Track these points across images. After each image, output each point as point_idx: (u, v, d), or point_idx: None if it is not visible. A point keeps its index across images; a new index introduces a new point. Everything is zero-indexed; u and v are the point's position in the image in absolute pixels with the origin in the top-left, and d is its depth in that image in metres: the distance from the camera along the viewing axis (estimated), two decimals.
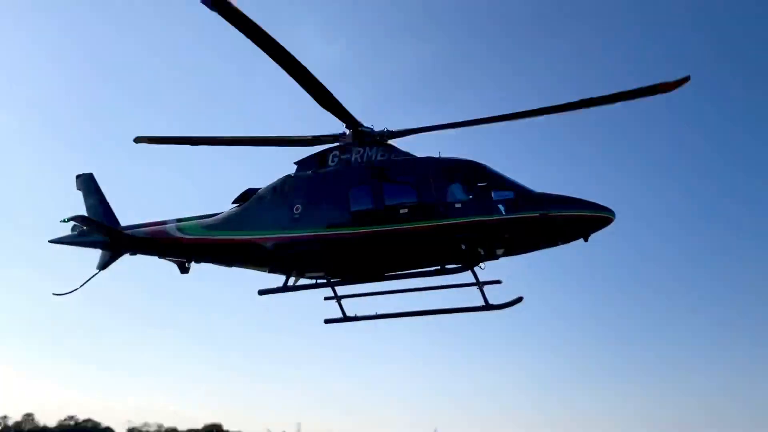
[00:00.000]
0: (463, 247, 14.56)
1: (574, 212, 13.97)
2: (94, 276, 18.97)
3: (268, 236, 16.15)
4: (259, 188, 17.04)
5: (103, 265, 18.82)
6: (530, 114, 14.94)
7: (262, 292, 16.07)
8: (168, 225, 17.94)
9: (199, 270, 20.39)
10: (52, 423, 65.30)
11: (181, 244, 17.55)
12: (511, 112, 14.95)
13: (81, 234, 19.20)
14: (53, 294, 19.17)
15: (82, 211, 19.88)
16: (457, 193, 14.68)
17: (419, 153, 15.91)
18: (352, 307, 16.35)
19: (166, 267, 19.47)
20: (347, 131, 16.10)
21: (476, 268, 15.09)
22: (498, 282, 15.23)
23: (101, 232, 18.06)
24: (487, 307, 15.22)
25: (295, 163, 16.87)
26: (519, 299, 15.08)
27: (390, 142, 16.26)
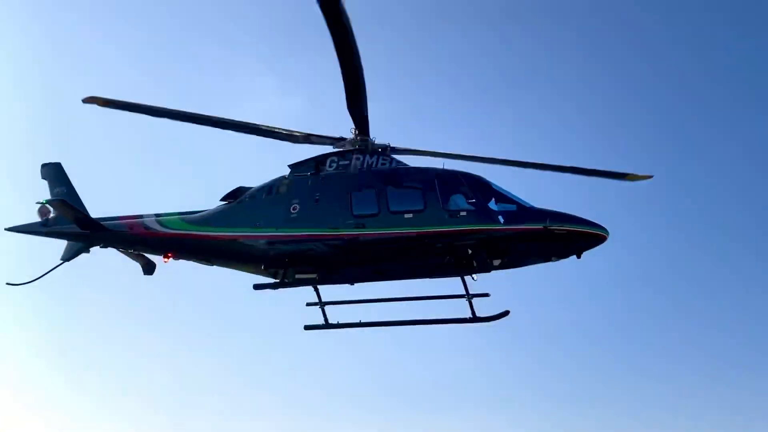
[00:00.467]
0: (462, 255, 14.81)
1: (575, 227, 14.47)
2: (57, 267, 18.07)
3: (262, 233, 15.84)
4: (251, 187, 16.80)
5: (69, 257, 17.96)
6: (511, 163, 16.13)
7: (257, 287, 15.95)
8: (146, 218, 17.32)
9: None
10: None
11: (162, 239, 16.94)
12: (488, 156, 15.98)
13: (47, 223, 18.30)
14: (7, 284, 18.16)
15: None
16: (461, 202, 15.00)
17: None
18: (334, 314, 16.31)
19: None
20: (354, 137, 16.11)
21: (469, 280, 15.37)
22: (486, 295, 15.51)
23: (78, 221, 17.15)
24: (475, 319, 15.44)
25: (289, 165, 16.70)
26: (506, 313, 15.39)
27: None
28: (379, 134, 16.31)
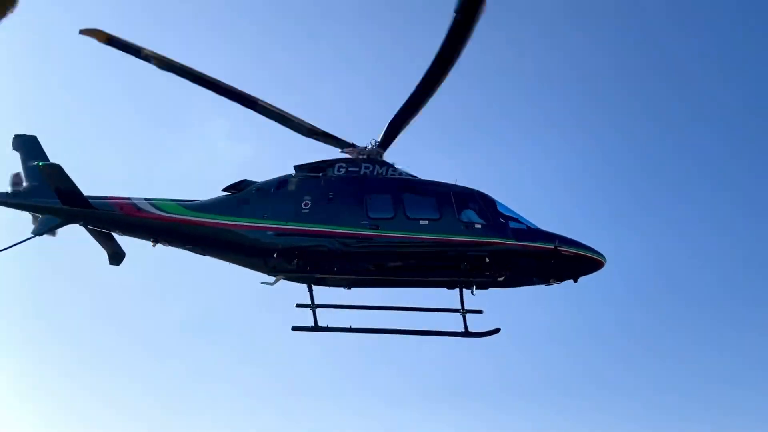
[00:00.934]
0: (468, 267, 15.08)
1: (581, 251, 15.16)
2: (26, 240, 16.86)
3: (270, 225, 15.62)
4: (255, 181, 16.59)
5: (41, 232, 16.83)
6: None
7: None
8: (136, 200, 16.65)
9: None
10: None
11: (155, 222, 16.27)
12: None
13: (17, 194, 17.19)
14: None
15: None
16: (475, 216, 15.44)
17: None
18: (324, 318, 16.10)
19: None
20: (371, 146, 16.46)
21: (466, 294, 15.64)
22: (480, 312, 15.81)
23: (64, 193, 16.15)
24: (467, 334, 15.67)
25: (294, 166, 16.69)
26: (497, 330, 15.75)
27: None
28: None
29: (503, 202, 15.83)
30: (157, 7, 45.03)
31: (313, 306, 15.93)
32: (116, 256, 18.11)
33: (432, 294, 16.32)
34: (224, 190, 16.66)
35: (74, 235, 17.71)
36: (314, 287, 15.96)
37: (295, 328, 15.97)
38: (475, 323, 15.73)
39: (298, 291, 16.14)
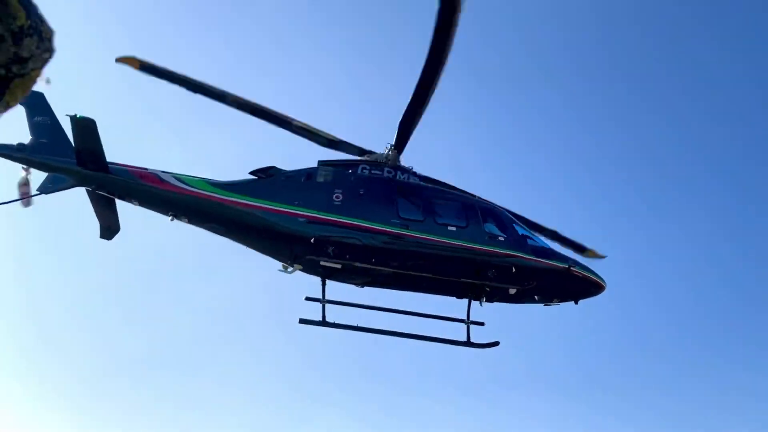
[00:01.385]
0: (485, 277, 15.75)
1: (589, 275, 16.27)
2: (33, 196, 16.03)
3: (301, 212, 15.69)
4: (284, 169, 16.62)
5: (50, 190, 16.01)
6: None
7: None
8: (157, 171, 16.25)
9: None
10: None
11: (179, 195, 15.86)
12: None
13: (23, 148, 16.34)
14: None
15: (23, 129, 17.13)
16: (497, 229, 16.19)
17: None
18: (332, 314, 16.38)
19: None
20: (388, 152, 16.90)
21: (473, 306, 16.41)
22: (482, 324, 16.64)
23: (85, 153, 15.42)
24: (468, 343, 16.41)
25: (319, 161, 16.88)
26: (496, 343, 16.60)
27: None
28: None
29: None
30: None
31: (324, 301, 16.18)
32: (110, 229, 17.50)
33: (438, 302, 16.99)
34: (252, 173, 16.54)
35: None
36: (327, 283, 16.27)
37: (302, 321, 16.09)
38: (476, 334, 16.63)
39: (308, 285, 16.44)
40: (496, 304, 16.79)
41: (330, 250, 15.36)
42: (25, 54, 3.05)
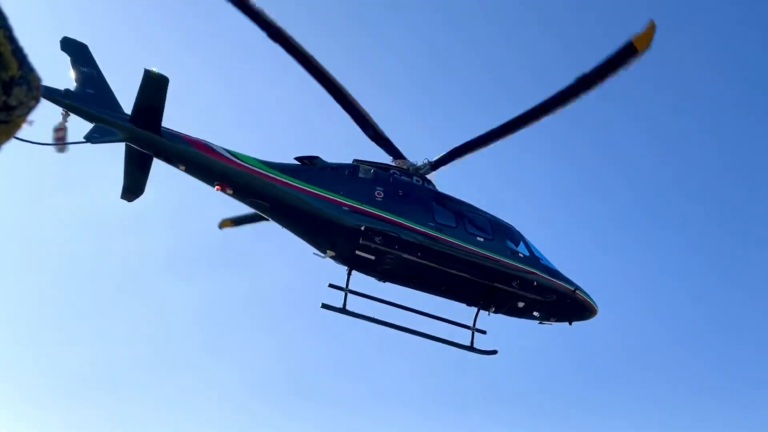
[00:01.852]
0: (498, 288, 17.06)
1: (589, 299, 18.00)
2: (77, 143, 15.70)
3: (346, 202, 16.38)
4: (326, 161, 17.31)
5: (98, 141, 15.73)
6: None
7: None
8: (209, 142, 16.37)
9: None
10: None
11: (230, 167, 16.06)
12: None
13: (68, 94, 16.02)
14: (15, 137, 15.19)
15: (67, 77, 16.86)
16: (518, 245, 17.63)
17: None
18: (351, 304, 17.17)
19: None
20: (423, 164, 18.23)
21: (482, 314, 17.73)
22: (484, 332, 17.96)
23: (147, 112, 15.37)
24: (471, 348, 17.65)
25: (355, 160, 17.79)
26: (494, 351, 17.94)
27: None
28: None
29: None
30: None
31: (347, 290, 16.93)
32: (134, 191, 17.37)
33: (439, 305, 18.17)
34: (297, 159, 17.07)
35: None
36: (352, 274, 17.06)
37: (324, 306, 16.77)
38: (477, 341, 17.92)
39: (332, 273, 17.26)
40: (493, 316, 18.27)
41: (371, 240, 16.04)
42: (13, 102, 3.06)
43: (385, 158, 18.57)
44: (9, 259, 37.73)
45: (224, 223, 20.25)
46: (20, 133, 3.55)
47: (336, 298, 16.95)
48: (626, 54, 14.89)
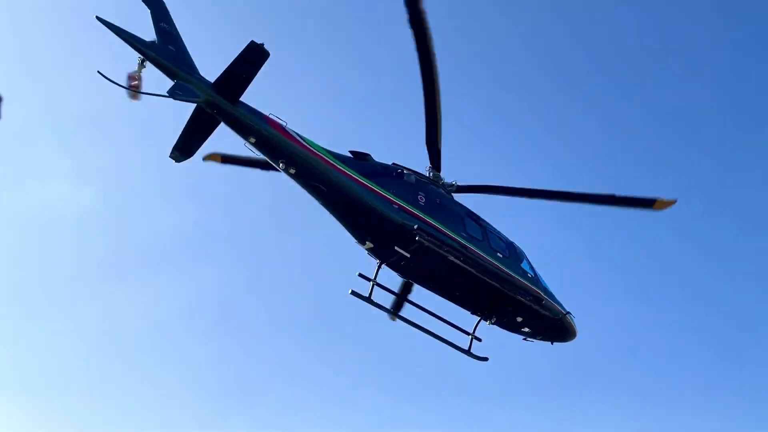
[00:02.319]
0: (502, 302, 18.94)
1: (573, 323, 20.27)
2: (160, 95, 15.88)
3: (395, 200, 17.64)
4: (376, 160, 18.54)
5: (178, 96, 15.81)
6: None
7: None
8: (283, 124, 17.02)
9: None
10: None
11: (300, 151, 16.87)
12: None
13: (153, 46, 16.21)
14: (98, 72, 15.33)
15: (147, 27, 17.03)
16: (527, 266, 19.62)
17: None
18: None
19: None
20: (429, 174, 19.59)
21: (482, 323, 19.65)
22: (479, 339, 19.84)
23: (233, 83, 15.94)
24: (468, 353, 19.44)
25: (393, 163, 19.03)
26: (486, 358, 19.85)
27: None
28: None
29: None
30: None
31: (374, 282, 18.28)
32: (185, 152, 17.70)
33: (453, 311, 19.92)
34: (351, 152, 18.09)
35: None
36: (382, 267, 18.43)
37: (353, 293, 18.04)
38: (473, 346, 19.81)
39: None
40: (488, 327, 20.31)
41: (416, 240, 17.29)
42: None
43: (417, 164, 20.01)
44: None
45: (211, 156, 19.88)
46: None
47: (363, 288, 18.33)
48: (645, 204, 19.59)
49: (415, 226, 17.46)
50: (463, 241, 18.37)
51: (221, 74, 16.17)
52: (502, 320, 19.78)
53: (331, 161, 17.41)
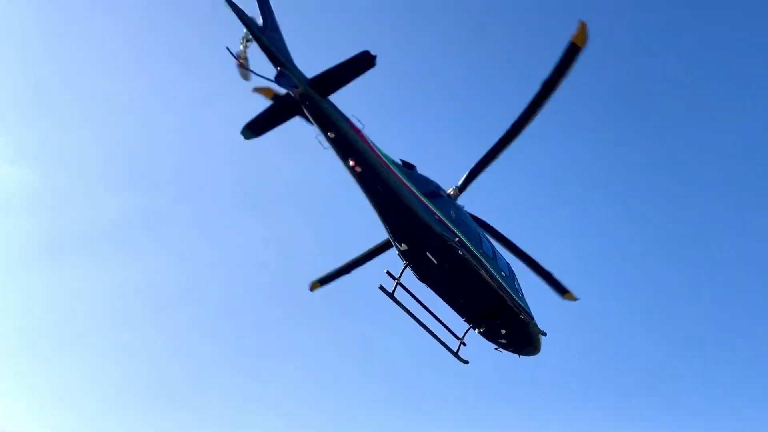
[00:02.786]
0: (494, 315, 21.59)
1: (541, 343, 23.22)
2: (266, 78, 16.89)
3: (435, 210, 19.53)
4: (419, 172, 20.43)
5: (283, 84, 17.18)
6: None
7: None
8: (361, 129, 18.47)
9: None
10: None
11: (372, 156, 18.48)
12: None
13: (263, 30, 17.19)
14: (226, 48, 16.17)
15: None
16: (518, 285, 22.17)
17: None
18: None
19: None
20: (453, 191, 21.58)
21: (471, 331, 22.29)
22: (464, 344, 22.39)
23: (330, 81, 17.31)
24: (455, 354, 21.98)
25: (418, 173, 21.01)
26: (467, 362, 22.46)
27: None
28: None
29: None
30: None
31: (398, 281, 20.31)
32: (257, 132, 18.80)
33: (450, 315, 22.32)
34: (402, 161, 19.82)
35: None
36: (408, 269, 20.47)
37: (381, 289, 20.07)
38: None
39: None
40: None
41: (450, 250, 19.41)
42: None
43: None
44: None
45: (314, 285, 24.39)
46: None
47: (387, 285, 20.36)
48: (572, 53, 18.61)
49: (456, 239, 19.65)
50: (482, 258, 20.74)
51: (324, 72, 17.44)
52: (490, 331, 22.53)
53: (394, 170, 19.16)
